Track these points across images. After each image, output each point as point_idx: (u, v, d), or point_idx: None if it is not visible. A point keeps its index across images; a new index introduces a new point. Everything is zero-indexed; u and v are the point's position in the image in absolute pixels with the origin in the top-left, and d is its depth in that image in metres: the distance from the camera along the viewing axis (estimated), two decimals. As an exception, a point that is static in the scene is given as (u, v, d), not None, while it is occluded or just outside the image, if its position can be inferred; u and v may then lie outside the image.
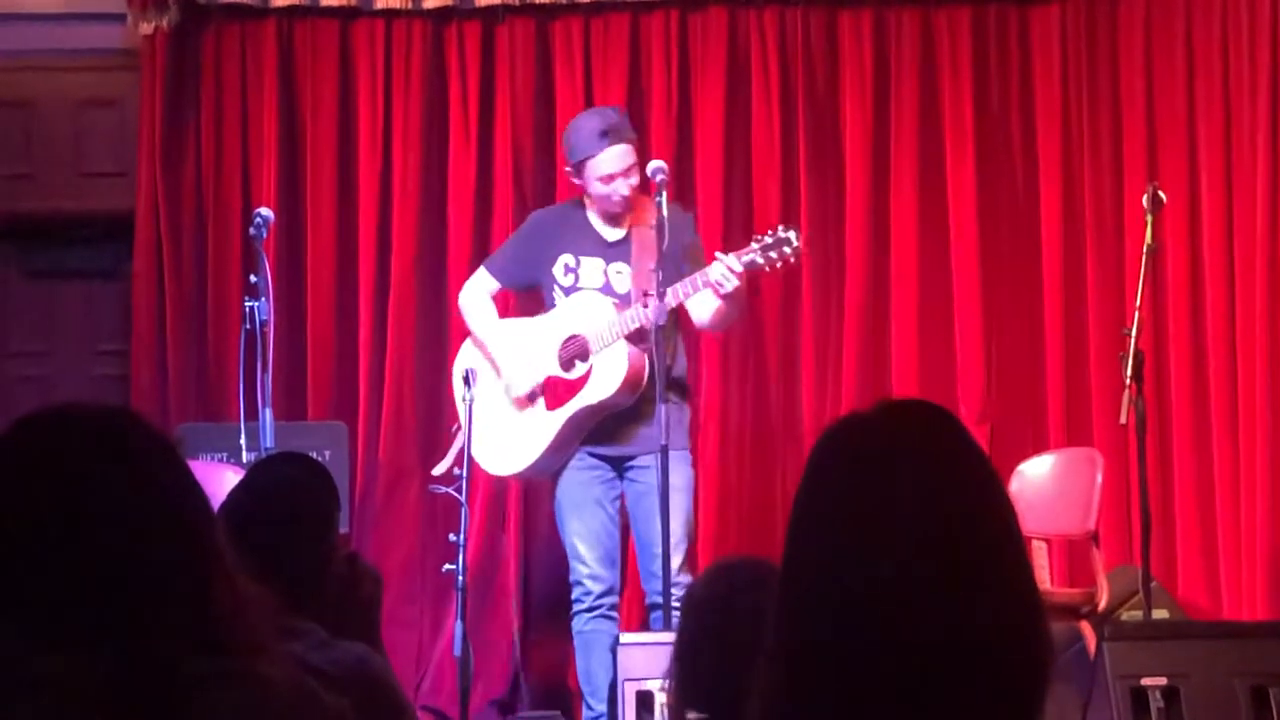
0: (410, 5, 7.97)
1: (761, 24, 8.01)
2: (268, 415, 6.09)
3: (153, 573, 1.95)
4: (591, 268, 6.63)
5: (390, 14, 8.01)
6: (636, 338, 6.46)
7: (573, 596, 6.64)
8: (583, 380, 6.56)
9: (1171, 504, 7.69)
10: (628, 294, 6.58)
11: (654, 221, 6.49)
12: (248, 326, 6.15)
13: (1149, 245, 6.58)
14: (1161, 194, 6.70)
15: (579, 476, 6.62)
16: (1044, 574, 7.03)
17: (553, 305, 6.70)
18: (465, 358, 6.84)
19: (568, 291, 6.66)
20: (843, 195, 7.94)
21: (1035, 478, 7.00)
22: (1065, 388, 7.84)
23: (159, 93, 7.93)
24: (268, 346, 6.12)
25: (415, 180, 7.97)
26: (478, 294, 6.87)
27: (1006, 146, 8.01)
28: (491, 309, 6.86)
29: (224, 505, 3.35)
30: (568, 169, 6.72)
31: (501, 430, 6.70)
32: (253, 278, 6.21)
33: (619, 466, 6.61)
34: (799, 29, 8.00)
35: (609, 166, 6.53)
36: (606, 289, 6.61)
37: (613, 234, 6.66)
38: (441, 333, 7.92)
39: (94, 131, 8.29)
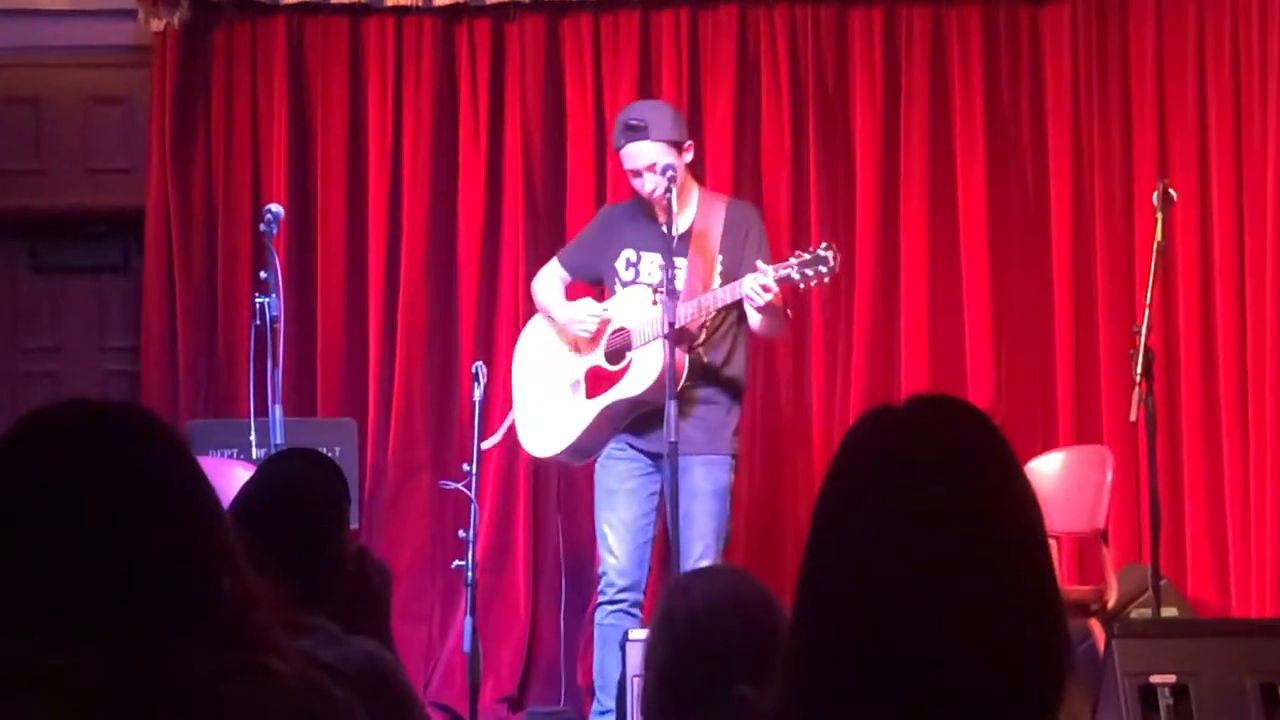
0: (420, 2, 7.97)
1: (772, 21, 8.01)
2: (277, 411, 6.09)
3: (162, 568, 1.95)
4: (651, 263, 6.60)
5: (400, 11, 8.02)
6: (678, 338, 6.44)
7: (598, 587, 6.63)
8: (621, 373, 6.56)
9: (1181, 501, 7.69)
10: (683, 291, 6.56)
11: (720, 219, 6.50)
12: (257, 322, 6.15)
13: (1159, 242, 6.57)
14: (1172, 191, 6.69)
15: (618, 466, 6.60)
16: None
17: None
18: (532, 332, 6.89)
19: (628, 286, 6.65)
20: (852, 193, 7.94)
21: (1045, 475, 6.98)
22: (1075, 385, 7.84)
23: (169, 89, 7.94)
24: (277, 343, 6.11)
25: (425, 177, 7.98)
26: (549, 280, 6.89)
27: (1016, 144, 8.01)
28: (561, 291, 6.85)
29: (234, 501, 3.35)
30: None
31: (544, 412, 6.73)
32: (262, 274, 6.21)
33: (658, 463, 6.58)
34: (809, 26, 7.99)
35: (630, 162, 6.55)
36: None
37: (676, 228, 6.56)
38: (451, 329, 7.93)
39: (104, 128, 8.30)
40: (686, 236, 6.55)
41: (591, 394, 6.63)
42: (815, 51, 7.99)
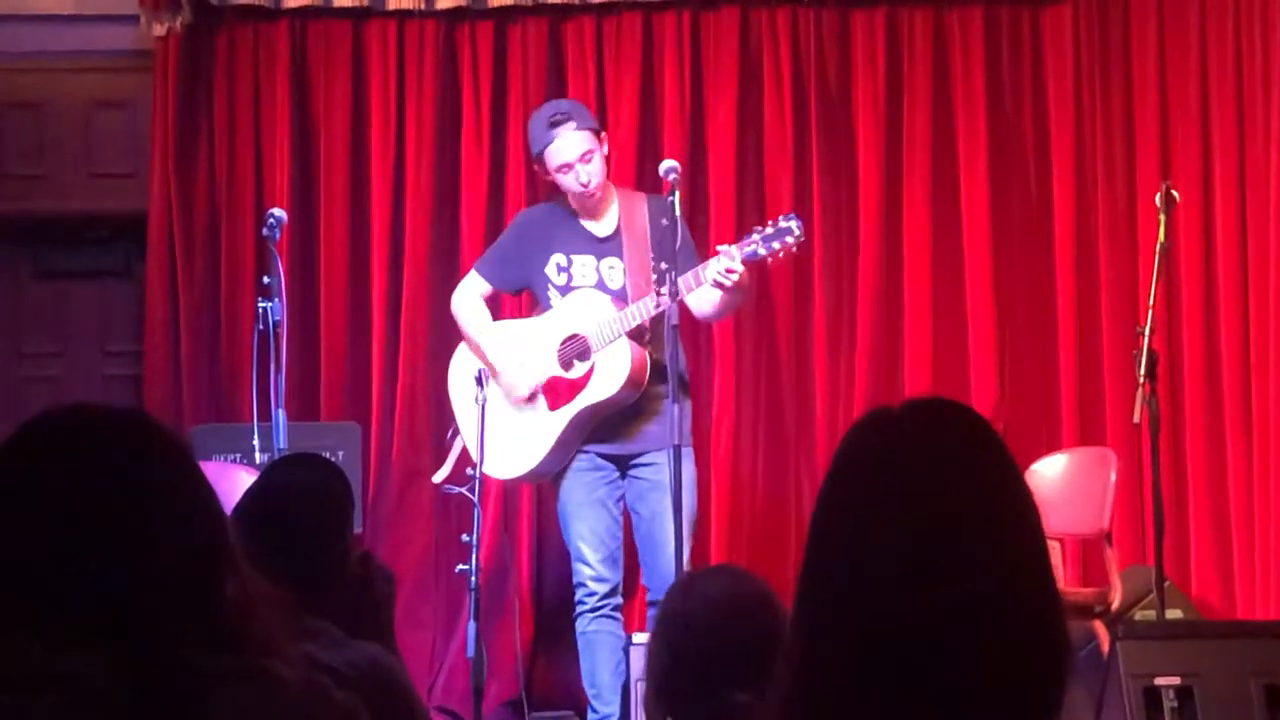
0: (423, 6, 7.97)
1: (774, 23, 8.00)
2: (281, 416, 6.09)
3: (164, 572, 1.95)
4: (584, 265, 6.58)
5: (403, 14, 8.02)
6: (637, 335, 6.43)
7: (576, 598, 6.61)
8: (584, 379, 6.51)
9: (1185, 503, 7.68)
10: (622, 289, 6.53)
11: (645, 216, 6.48)
12: (261, 327, 6.15)
13: (1162, 244, 6.57)
14: (1175, 193, 6.69)
15: (583, 478, 6.57)
16: (1057, 574, 7.00)
17: (548, 305, 6.64)
18: (460, 362, 6.81)
19: (562, 290, 6.60)
20: (855, 195, 7.93)
21: (1048, 477, 6.99)
22: (1078, 387, 7.83)
23: (171, 94, 7.94)
24: (281, 347, 6.11)
25: (428, 181, 7.98)
26: (469, 297, 6.81)
27: (1019, 146, 8.00)
28: (485, 311, 6.80)
29: (238, 506, 3.35)
30: (535, 168, 6.72)
31: (502, 434, 6.62)
32: (266, 278, 6.20)
33: (623, 465, 6.57)
34: (811, 28, 7.99)
35: (561, 155, 6.51)
36: (600, 286, 6.56)
37: (601, 229, 6.60)
38: (454, 333, 7.91)
39: (106, 132, 8.30)
40: (616, 236, 6.55)
41: (554, 405, 6.57)
42: (818, 54, 7.98)
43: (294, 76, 8.01)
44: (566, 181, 6.54)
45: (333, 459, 4.53)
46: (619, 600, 6.58)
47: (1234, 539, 7.62)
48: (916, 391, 7.59)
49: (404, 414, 7.87)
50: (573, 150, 6.50)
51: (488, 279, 6.81)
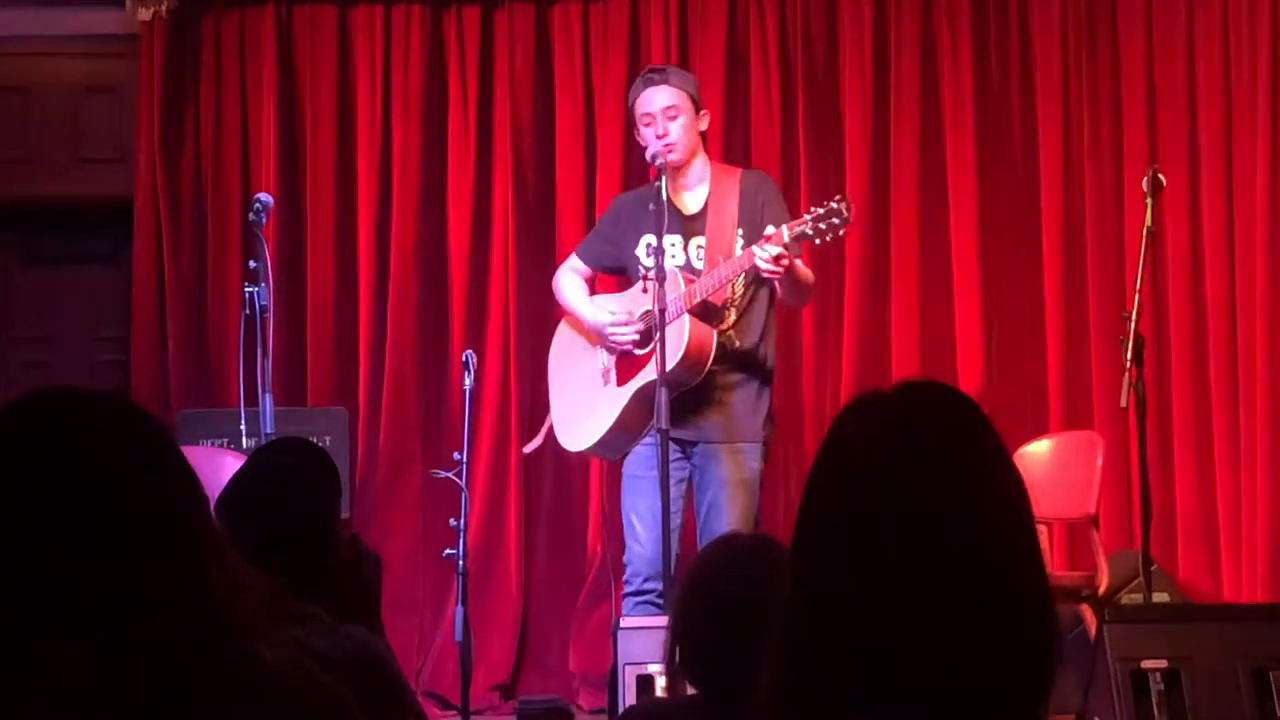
0: (409, -11, 7.98)
1: (761, 7, 8.00)
2: (268, 401, 6.08)
3: (146, 556, 1.95)
4: (673, 246, 6.42)
5: (389, -1, 8.03)
6: (703, 313, 6.29)
7: (624, 576, 6.44)
8: (649, 355, 6.37)
9: (1172, 487, 7.70)
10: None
11: (735, 192, 6.40)
12: (247, 312, 6.14)
13: (1149, 228, 6.57)
14: (1161, 177, 6.68)
15: (645, 453, 6.38)
16: (1045, 557, 6.99)
17: None
18: (561, 332, 6.76)
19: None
20: (843, 178, 7.93)
21: (1036, 461, 6.98)
22: (1065, 371, 7.84)
23: (158, 78, 7.94)
24: (268, 332, 6.11)
25: (415, 166, 7.97)
26: (569, 274, 6.74)
27: (1006, 129, 8.00)
28: (583, 286, 6.71)
29: (225, 491, 3.35)
30: (635, 132, 6.58)
31: (577, 406, 6.60)
32: (252, 263, 6.19)
33: (686, 450, 6.39)
34: (798, 11, 7.99)
35: (646, 105, 6.41)
36: (689, 266, 6.39)
37: (690, 206, 6.45)
38: (442, 317, 7.92)
39: (93, 117, 8.29)
40: (703, 213, 6.43)
41: (622, 380, 6.48)
42: (804, 37, 7.98)
43: (280, 61, 8.01)
44: (646, 135, 6.42)
45: (320, 444, 4.52)
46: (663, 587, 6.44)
47: (1220, 522, 7.64)
48: (904, 375, 7.57)
49: (391, 399, 7.87)
50: (658, 102, 6.39)
51: (584, 259, 6.75)
